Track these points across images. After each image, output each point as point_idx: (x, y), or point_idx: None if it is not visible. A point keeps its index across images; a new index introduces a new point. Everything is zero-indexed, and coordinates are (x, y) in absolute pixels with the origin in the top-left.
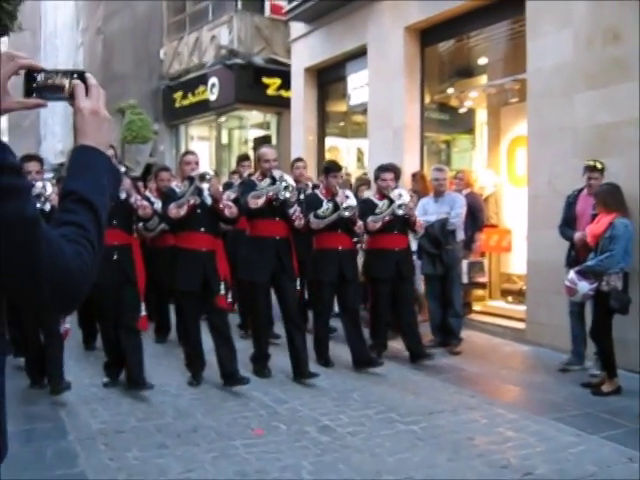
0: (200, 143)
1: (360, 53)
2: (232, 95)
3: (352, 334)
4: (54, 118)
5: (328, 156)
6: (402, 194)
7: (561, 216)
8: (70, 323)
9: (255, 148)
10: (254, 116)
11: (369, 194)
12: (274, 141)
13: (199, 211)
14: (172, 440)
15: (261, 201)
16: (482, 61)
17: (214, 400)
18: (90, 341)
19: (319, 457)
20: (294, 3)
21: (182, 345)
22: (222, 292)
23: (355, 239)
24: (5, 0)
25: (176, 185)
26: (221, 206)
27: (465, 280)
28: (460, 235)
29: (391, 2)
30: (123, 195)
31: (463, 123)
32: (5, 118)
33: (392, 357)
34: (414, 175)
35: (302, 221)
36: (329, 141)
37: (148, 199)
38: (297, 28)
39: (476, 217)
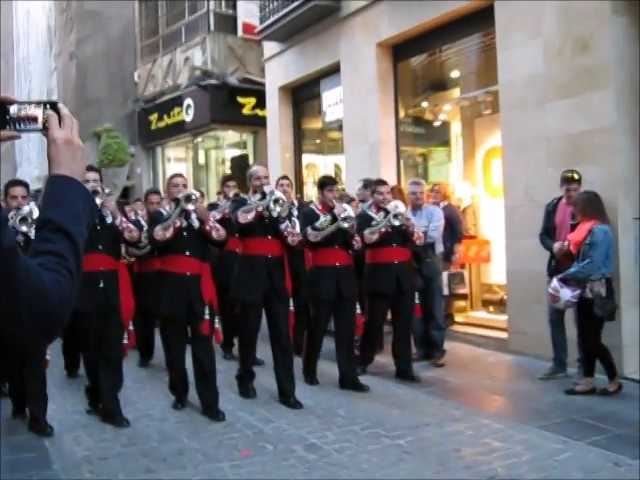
0: (177, 164)
1: (333, 70)
2: (207, 116)
3: (343, 357)
4: (29, 144)
5: (305, 173)
6: (398, 205)
7: (541, 225)
8: (52, 350)
9: (232, 168)
10: (230, 136)
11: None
12: (251, 160)
13: (185, 234)
14: (158, 464)
15: (251, 216)
16: (455, 74)
17: (199, 422)
18: (73, 368)
19: (307, 475)
20: (266, 22)
21: (167, 369)
22: (206, 317)
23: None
24: None
25: (163, 208)
26: (208, 228)
27: (446, 292)
28: (439, 247)
29: (362, 19)
30: (109, 219)
31: (438, 136)
32: None
33: (377, 372)
34: (392, 189)
35: (295, 237)
36: (306, 158)
37: (137, 222)
38: (270, 47)
39: (454, 229)
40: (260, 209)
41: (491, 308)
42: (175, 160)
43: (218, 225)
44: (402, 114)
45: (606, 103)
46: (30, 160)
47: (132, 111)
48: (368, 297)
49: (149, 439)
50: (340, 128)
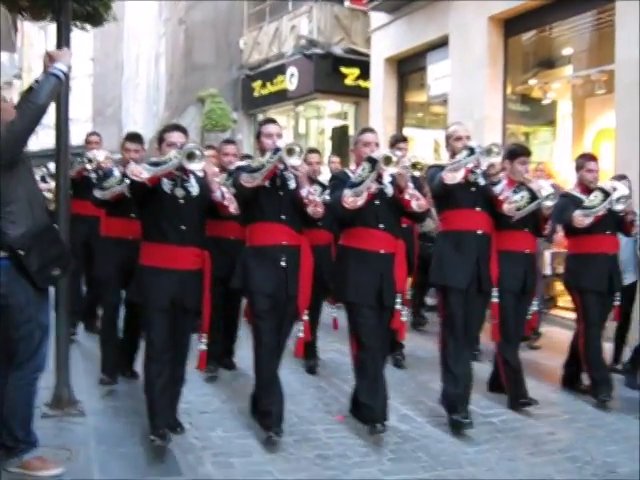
0: None
1: (441, 43)
2: (311, 85)
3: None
4: (135, 106)
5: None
6: (617, 187)
7: None
8: None
9: (333, 138)
10: (332, 106)
11: None
12: (351, 131)
13: (377, 202)
14: (254, 422)
15: (460, 174)
16: (567, 51)
17: (295, 385)
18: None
19: (399, 445)
20: None
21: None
22: (398, 307)
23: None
24: None
25: (349, 169)
26: (407, 196)
27: (548, 271)
28: None
29: None
30: (292, 184)
31: (544, 115)
32: (90, 107)
33: None
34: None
35: (511, 205)
36: (406, 131)
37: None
38: (377, 18)
39: None
40: (471, 165)
41: None
42: None
43: (418, 193)
44: (509, 91)
45: None
46: (136, 122)
47: (236, 78)
48: (578, 295)
49: (246, 398)
50: (444, 102)
